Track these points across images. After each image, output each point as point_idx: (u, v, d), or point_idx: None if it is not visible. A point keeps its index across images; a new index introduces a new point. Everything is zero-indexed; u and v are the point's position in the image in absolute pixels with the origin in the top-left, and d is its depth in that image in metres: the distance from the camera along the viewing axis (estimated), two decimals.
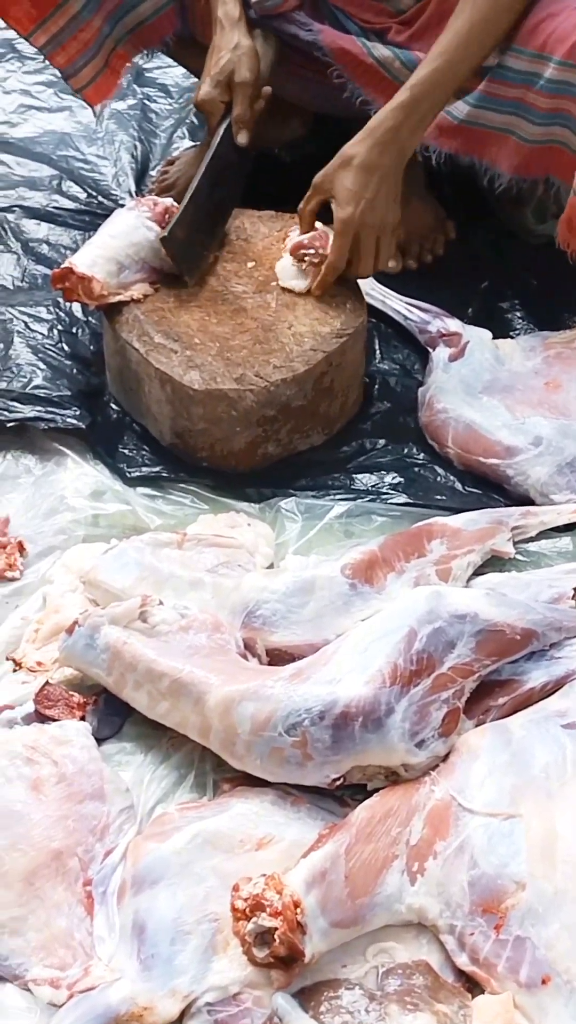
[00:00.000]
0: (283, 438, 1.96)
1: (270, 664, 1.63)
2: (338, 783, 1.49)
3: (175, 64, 2.50)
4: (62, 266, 1.94)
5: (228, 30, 2.04)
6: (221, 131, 2.06)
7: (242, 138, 2.07)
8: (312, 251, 1.99)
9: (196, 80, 2.30)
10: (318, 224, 2.01)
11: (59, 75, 2.24)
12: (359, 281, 2.04)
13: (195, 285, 2.00)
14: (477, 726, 1.56)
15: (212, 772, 1.57)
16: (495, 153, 2.03)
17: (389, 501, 1.89)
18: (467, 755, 1.50)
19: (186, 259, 1.99)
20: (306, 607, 1.63)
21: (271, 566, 1.79)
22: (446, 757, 1.51)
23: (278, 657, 1.63)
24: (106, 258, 1.96)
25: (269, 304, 2.00)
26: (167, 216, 1.99)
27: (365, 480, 1.94)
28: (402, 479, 1.93)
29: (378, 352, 2.15)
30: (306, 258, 1.99)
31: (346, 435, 2.03)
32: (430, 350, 2.08)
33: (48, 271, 2.22)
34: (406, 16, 2.09)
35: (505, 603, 1.60)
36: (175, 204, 2.02)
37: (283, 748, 1.48)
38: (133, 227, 1.98)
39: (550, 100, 1.92)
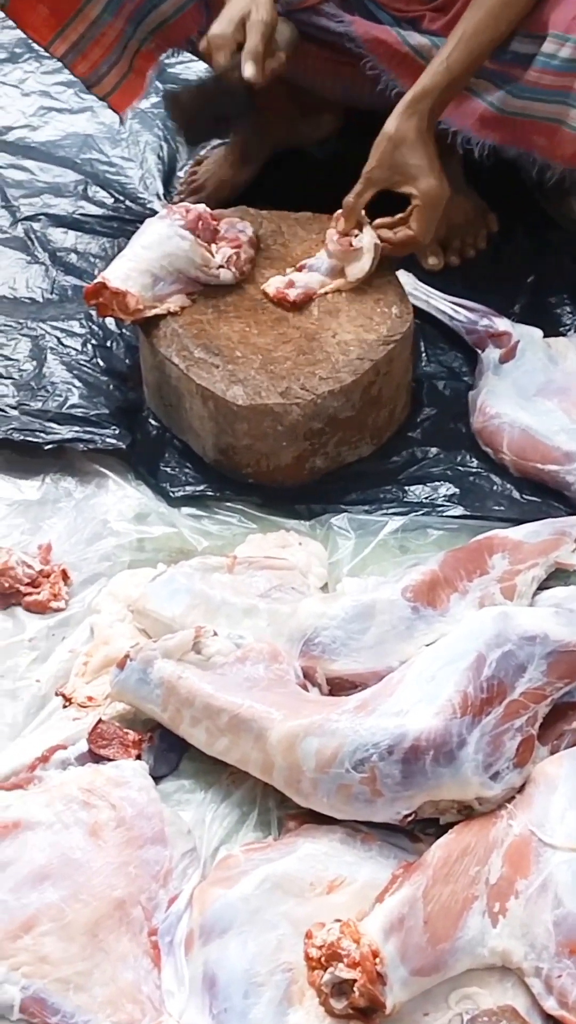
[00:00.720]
0: (330, 451, 1.89)
1: (331, 693, 1.57)
2: (409, 819, 1.42)
3: (198, 59, 2.41)
4: (94, 281, 1.87)
5: None
6: (231, 65, 1.91)
7: (248, 69, 1.89)
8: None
9: None
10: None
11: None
12: (402, 281, 1.96)
13: (233, 294, 1.93)
14: (552, 753, 1.50)
15: (276, 809, 1.50)
16: (545, 144, 1.94)
17: (445, 514, 1.82)
18: (544, 786, 1.43)
19: (190, 127, 1.93)
20: (367, 633, 1.56)
21: (325, 586, 1.73)
22: (522, 788, 1.45)
23: (339, 686, 1.56)
24: (140, 271, 1.89)
25: (312, 312, 1.92)
26: (200, 223, 1.92)
27: (418, 492, 1.87)
28: (457, 489, 1.86)
29: (424, 355, 2.07)
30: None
31: (396, 444, 1.95)
32: (479, 352, 2.00)
33: (78, 281, 2.16)
34: (439, 3, 2.01)
35: (575, 621, 1.53)
36: (207, 210, 1.94)
37: (351, 785, 1.41)
38: (166, 236, 1.91)
39: None
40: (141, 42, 2.11)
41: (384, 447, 1.95)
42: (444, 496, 1.85)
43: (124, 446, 1.88)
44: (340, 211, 1.91)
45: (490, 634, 1.48)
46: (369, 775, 1.41)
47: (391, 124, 1.86)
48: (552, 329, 2.06)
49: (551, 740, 1.50)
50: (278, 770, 1.45)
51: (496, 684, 1.45)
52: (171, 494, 1.86)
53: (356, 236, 1.91)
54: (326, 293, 1.92)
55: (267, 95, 2.18)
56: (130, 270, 1.89)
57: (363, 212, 1.91)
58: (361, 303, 1.92)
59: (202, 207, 1.95)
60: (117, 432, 1.90)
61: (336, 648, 1.55)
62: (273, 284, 1.93)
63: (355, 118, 2.28)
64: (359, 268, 1.91)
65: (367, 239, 1.91)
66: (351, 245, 1.90)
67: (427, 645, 1.55)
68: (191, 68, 2.58)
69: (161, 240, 1.91)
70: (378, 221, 1.93)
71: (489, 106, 1.96)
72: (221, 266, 1.92)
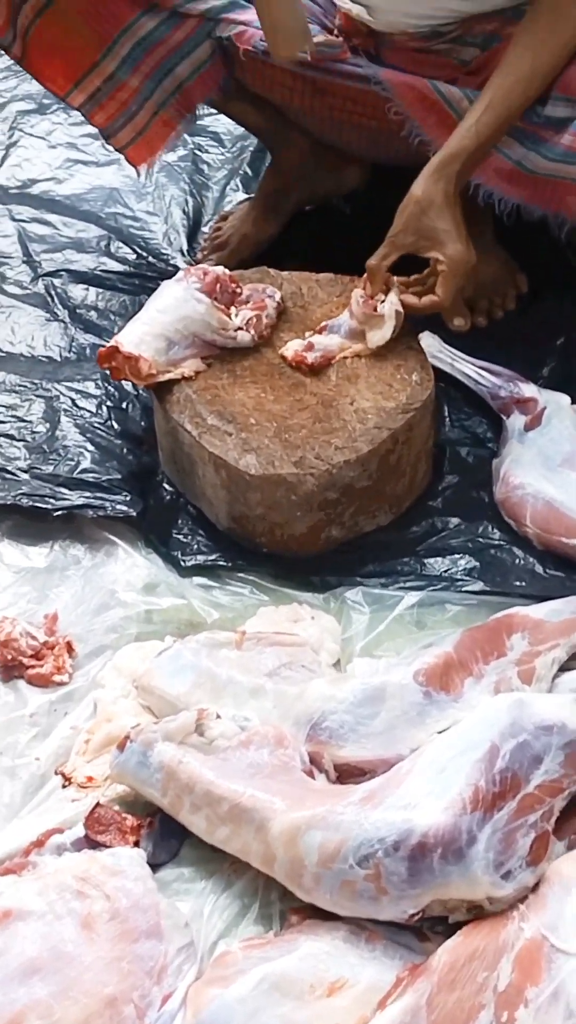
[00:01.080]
0: (347, 520, 1.83)
1: (339, 780, 1.50)
2: (416, 917, 1.36)
3: (222, 113, 2.38)
4: (108, 345, 1.83)
5: None
6: None
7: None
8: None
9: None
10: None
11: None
12: (424, 344, 1.91)
13: (250, 358, 1.88)
14: (569, 849, 1.42)
15: (279, 902, 1.44)
16: (572, 206, 1.89)
17: (463, 589, 1.75)
18: (559, 887, 1.35)
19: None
20: (376, 718, 1.49)
21: (338, 663, 1.67)
22: (536, 887, 1.37)
23: (348, 773, 1.50)
24: (154, 335, 1.84)
25: (329, 377, 1.87)
26: (218, 286, 1.87)
27: (437, 564, 1.80)
28: (477, 563, 1.80)
29: (448, 419, 2.01)
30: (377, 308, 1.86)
31: (415, 513, 1.89)
32: (504, 418, 1.94)
33: (97, 340, 2.12)
34: (472, 67, 1.96)
35: None
36: (226, 272, 1.90)
37: (355, 881, 1.35)
38: (182, 300, 1.86)
39: None
40: (160, 104, 2.08)
41: (404, 516, 1.88)
42: (464, 569, 1.79)
43: (134, 513, 1.83)
44: (365, 274, 1.87)
45: (505, 723, 1.42)
46: (374, 872, 1.34)
47: (418, 187, 1.82)
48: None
49: (568, 835, 1.43)
50: (280, 863, 1.39)
51: (510, 777, 1.38)
52: (182, 563, 1.81)
53: (381, 301, 1.86)
54: (345, 357, 1.87)
55: (290, 151, 2.15)
56: (144, 334, 1.85)
57: (388, 274, 1.86)
58: (381, 369, 1.87)
59: (220, 269, 1.90)
60: (128, 498, 1.85)
61: (344, 733, 1.49)
62: (292, 347, 1.88)
63: (381, 172, 2.24)
64: (380, 335, 1.86)
65: (390, 305, 1.86)
66: (375, 310, 1.85)
67: (439, 732, 1.48)
68: (220, 120, 2.55)
69: (177, 304, 1.86)
70: (402, 281, 1.88)
71: (517, 165, 1.90)
72: (240, 328, 1.88)
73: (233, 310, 1.90)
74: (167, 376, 1.84)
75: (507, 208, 1.94)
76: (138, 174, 2.18)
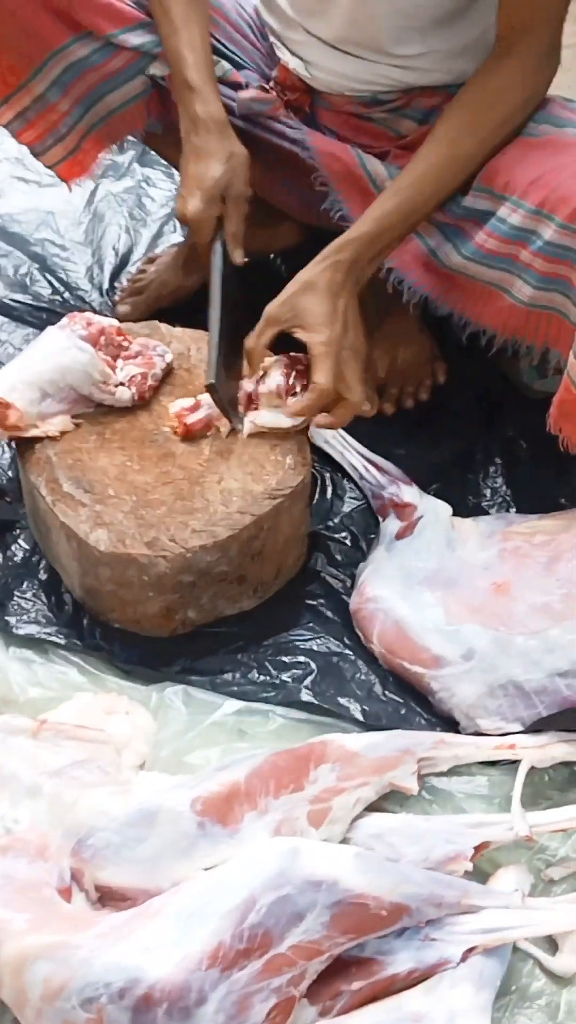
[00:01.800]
0: (205, 604, 1.74)
1: (100, 901, 1.41)
2: None
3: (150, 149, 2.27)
4: None
5: (216, 134, 1.81)
6: (220, 251, 1.84)
7: (239, 257, 1.84)
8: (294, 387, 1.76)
9: None
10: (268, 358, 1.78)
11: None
12: (312, 430, 1.82)
13: (123, 421, 1.79)
14: (322, 1014, 1.33)
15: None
16: (482, 310, 1.79)
17: (292, 700, 1.66)
18: None
19: (233, 404, 1.77)
20: (144, 843, 1.40)
21: (143, 765, 1.58)
22: None
23: (109, 896, 1.41)
24: (28, 383, 1.74)
25: (202, 451, 1.77)
26: (102, 338, 1.78)
27: (279, 663, 1.71)
28: (316, 668, 1.70)
29: (336, 501, 1.92)
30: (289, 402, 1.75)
31: (282, 599, 1.80)
32: (380, 519, 1.84)
33: None
34: (406, 141, 1.86)
35: (376, 869, 1.36)
36: (115, 324, 1.80)
37: (76, 1023, 1.26)
38: (62, 348, 1.76)
39: (549, 264, 1.68)
40: (90, 127, 1.98)
41: (270, 601, 1.79)
42: (300, 674, 1.70)
43: None
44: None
45: (270, 873, 1.32)
46: (96, 1017, 1.26)
47: (306, 270, 1.73)
48: (470, 505, 1.90)
49: (325, 1000, 1.34)
50: (6, 989, 1.31)
51: (261, 934, 1.29)
52: (14, 629, 1.72)
53: (263, 377, 1.76)
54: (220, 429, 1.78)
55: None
56: (18, 381, 1.75)
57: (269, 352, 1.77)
58: (256, 447, 1.76)
59: (108, 321, 1.80)
60: None
61: (108, 854, 1.40)
62: (178, 404, 1.79)
63: (321, 234, 2.13)
64: (281, 421, 1.76)
65: (275, 379, 1.76)
66: (254, 391, 1.75)
67: (205, 869, 1.39)
68: None
69: (56, 352, 1.76)
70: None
71: (431, 254, 1.81)
72: (121, 384, 1.79)
73: (119, 363, 1.80)
74: (32, 432, 1.75)
75: (415, 298, 1.84)
76: (69, 189, 2.09)
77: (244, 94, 1.87)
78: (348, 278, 1.72)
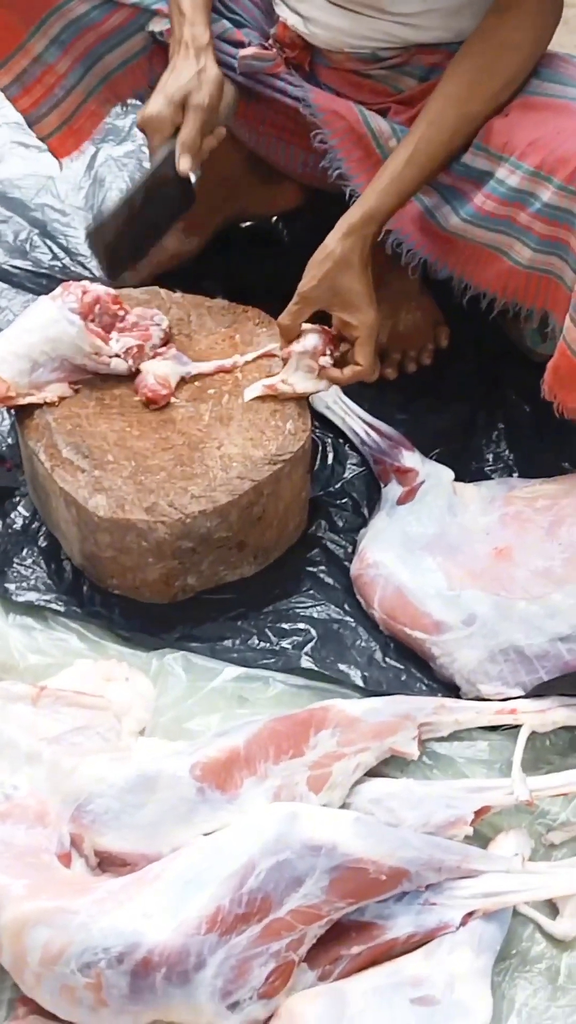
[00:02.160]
0: (205, 570, 1.73)
1: (99, 867, 1.41)
2: None
3: None
4: None
5: (194, 54, 1.78)
6: (165, 151, 1.78)
7: (185, 163, 1.76)
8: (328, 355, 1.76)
9: None
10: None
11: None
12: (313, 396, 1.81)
13: (122, 387, 1.78)
14: (321, 980, 1.33)
15: (10, 989, 1.36)
16: (481, 273, 1.77)
17: (293, 666, 1.65)
18: None
19: (112, 262, 1.80)
20: (144, 809, 1.40)
21: (143, 731, 1.57)
22: (268, 1021, 1.28)
23: (109, 861, 1.41)
24: (17, 354, 1.73)
25: (202, 416, 1.76)
26: (97, 307, 1.76)
27: (279, 629, 1.71)
28: (317, 635, 1.70)
29: (337, 466, 1.91)
30: (324, 363, 1.76)
31: (282, 566, 1.79)
32: (381, 484, 1.83)
33: None
34: (404, 96, 1.84)
35: (375, 833, 1.36)
36: (109, 292, 1.79)
37: (75, 988, 1.27)
38: (53, 320, 1.74)
39: (547, 226, 1.66)
40: (88, 92, 1.97)
41: (271, 567, 1.79)
42: (301, 641, 1.69)
43: None
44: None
45: (268, 837, 1.32)
46: (95, 981, 1.26)
47: (336, 244, 1.72)
48: (472, 470, 1.89)
49: (324, 964, 1.34)
50: (5, 954, 1.31)
51: (260, 898, 1.29)
52: (13, 597, 1.72)
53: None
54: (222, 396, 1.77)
55: (219, 162, 2.04)
56: (6, 353, 1.73)
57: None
58: (256, 413, 1.75)
59: (103, 289, 1.78)
60: None
61: (108, 820, 1.40)
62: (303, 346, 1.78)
63: (322, 196, 2.11)
64: (313, 385, 1.76)
65: (311, 341, 1.76)
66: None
67: (205, 834, 1.39)
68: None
69: (46, 323, 1.74)
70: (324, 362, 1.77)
71: (430, 216, 1.79)
72: (117, 355, 1.77)
73: (114, 335, 1.79)
74: (27, 400, 1.74)
75: (414, 261, 1.82)
76: (60, 167, 2.07)
77: (245, 52, 1.84)
78: (371, 252, 1.72)
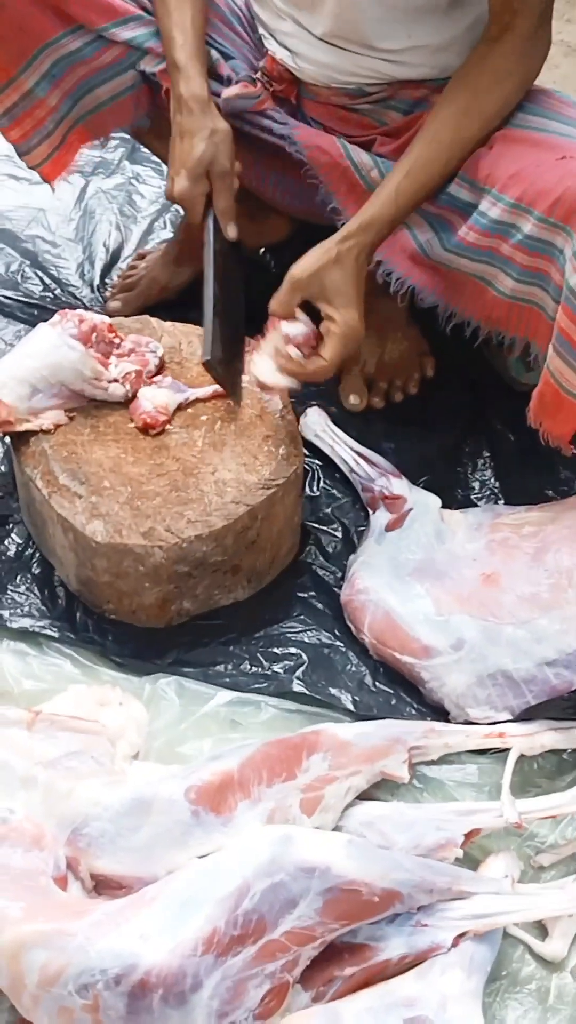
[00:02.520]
0: (200, 594, 1.75)
1: (96, 890, 1.43)
2: None
3: (138, 142, 2.27)
4: None
5: (199, 112, 1.83)
6: (211, 228, 1.85)
7: (232, 231, 1.87)
8: (301, 350, 1.74)
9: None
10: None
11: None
12: (309, 421, 1.83)
13: (116, 414, 1.80)
14: (315, 1001, 1.35)
15: (7, 1012, 1.37)
16: (466, 301, 1.81)
17: (285, 690, 1.68)
18: None
19: (231, 379, 1.79)
20: (139, 832, 1.42)
21: (137, 755, 1.59)
22: None
23: (105, 884, 1.42)
24: (18, 379, 1.76)
25: (195, 442, 1.79)
26: (94, 335, 1.79)
27: (271, 654, 1.73)
28: (308, 659, 1.72)
29: (328, 491, 1.94)
30: (292, 354, 1.73)
31: (275, 590, 1.82)
32: (370, 512, 1.86)
33: None
34: (389, 128, 1.88)
35: (367, 856, 1.38)
36: (106, 320, 1.82)
37: (73, 1010, 1.28)
38: (53, 346, 1.77)
39: (528, 257, 1.70)
40: (76, 120, 1.99)
41: (265, 591, 1.81)
42: (292, 665, 1.72)
43: None
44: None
45: (263, 860, 1.34)
46: (92, 1003, 1.27)
47: (334, 246, 1.73)
48: (459, 497, 1.92)
49: (318, 985, 1.36)
50: (2, 976, 1.32)
51: (255, 920, 1.31)
52: (7, 623, 1.74)
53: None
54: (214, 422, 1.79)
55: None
56: (7, 378, 1.77)
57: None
58: (249, 438, 1.78)
59: (99, 318, 1.81)
60: None
61: (103, 844, 1.42)
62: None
63: (308, 228, 2.15)
64: (279, 381, 1.73)
65: (299, 328, 1.73)
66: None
67: (200, 857, 1.41)
68: None
69: (47, 349, 1.78)
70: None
71: (419, 247, 1.82)
72: (115, 380, 1.80)
73: (113, 360, 1.82)
74: (25, 426, 1.76)
75: (403, 290, 1.85)
76: (51, 189, 2.10)
77: (228, 92, 1.88)
78: (366, 261, 1.74)
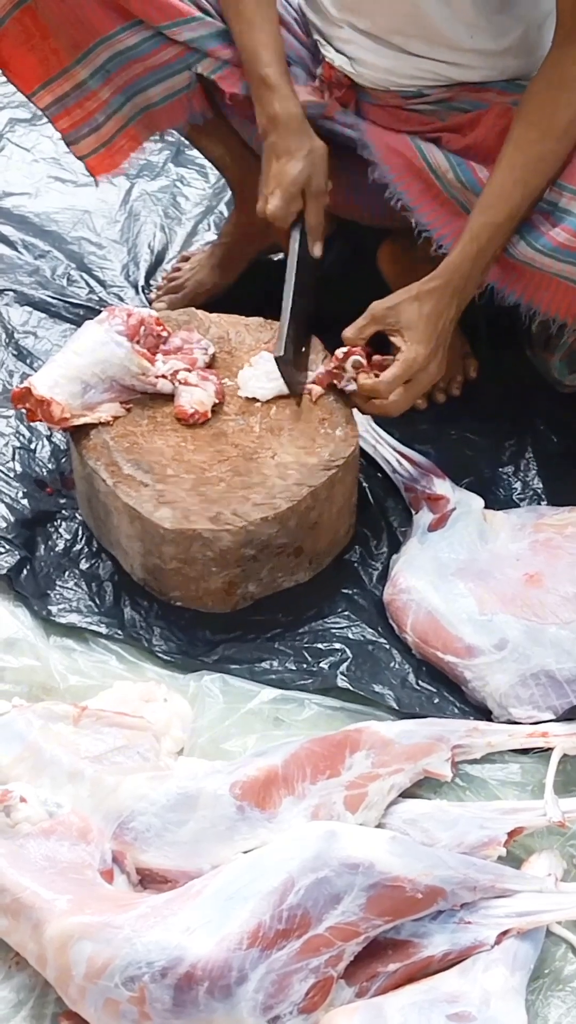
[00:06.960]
0: (264, 577, 1.78)
1: (141, 883, 1.44)
2: None
3: (188, 142, 2.28)
4: (21, 386, 1.77)
5: (295, 131, 1.85)
6: (297, 239, 1.90)
7: (318, 250, 1.90)
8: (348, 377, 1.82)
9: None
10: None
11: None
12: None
13: (171, 404, 1.82)
14: (359, 996, 1.35)
15: (53, 1004, 1.38)
16: (550, 299, 1.81)
17: (329, 686, 1.68)
18: None
19: (295, 379, 1.84)
20: (185, 826, 1.43)
21: (181, 751, 1.61)
22: None
23: (150, 878, 1.44)
24: (69, 378, 1.79)
25: (252, 428, 1.81)
26: (142, 329, 1.81)
27: (315, 650, 1.74)
28: (352, 656, 1.73)
29: (371, 491, 1.95)
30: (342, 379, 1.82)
31: (334, 572, 1.85)
32: (413, 511, 1.87)
33: (27, 369, 2.08)
34: (451, 124, 1.88)
35: (411, 852, 1.39)
36: (152, 314, 1.84)
37: (119, 1001, 1.30)
38: (101, 343, 1.80)
39: None
40: (128, 119, 2.01)
41: (323, 573, 1.84)
42: (337, 660, 1.73)
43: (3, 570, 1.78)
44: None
45: (308, 855, 1.35)
46: (138, 995, 1.29)
47: (422, 282, 1.78)
48: (501, 498, 1.93)
49: (362, 980, 1.36)
50: (50, 967, 1.34)
51: (300, 915, 1.32)
52: (56, 618, 1.75)
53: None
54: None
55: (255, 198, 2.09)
56: (59, 377, 1.79)
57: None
58: (306, 422, 1.81)
59: (146, 312, 1.84)
60: (4, 550, 1.80)
61: (149, 837, 1.43)
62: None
63: (348, 226, 2.15)
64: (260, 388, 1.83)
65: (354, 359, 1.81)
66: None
67: (245, 852, 1.42)
68: None
69: (95, 346, 1.81)
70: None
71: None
72: (162, 376, 1.82)
73: (160, 357, 1.84)
74: (83, 420, 1.79)
75: (482, 289, 1.85)
76: (95, 183, 2.12)
77: (299, 98, 1.88)
78: (452, 302, 1.78)
